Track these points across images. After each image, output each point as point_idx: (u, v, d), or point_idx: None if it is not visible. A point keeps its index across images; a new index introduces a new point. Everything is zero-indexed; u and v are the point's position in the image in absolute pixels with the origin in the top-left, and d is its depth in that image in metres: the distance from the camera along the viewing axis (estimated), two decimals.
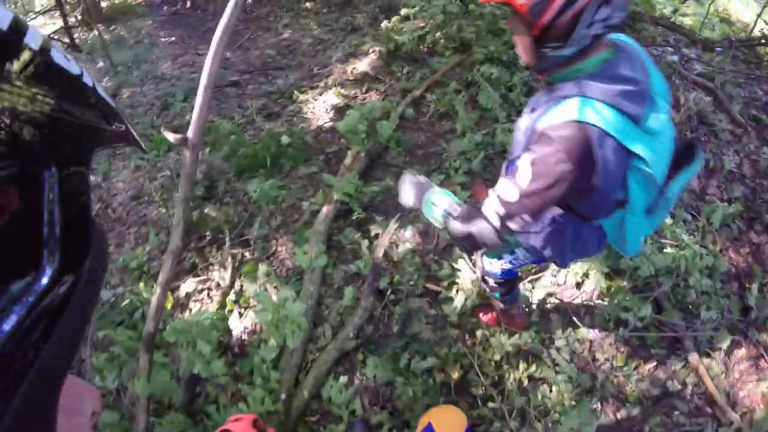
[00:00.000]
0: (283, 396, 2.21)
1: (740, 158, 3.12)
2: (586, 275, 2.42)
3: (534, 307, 2.42)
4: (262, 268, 2.77)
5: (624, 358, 2.29)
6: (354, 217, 2.83)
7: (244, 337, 2.65)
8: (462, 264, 2.41)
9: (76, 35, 6.75)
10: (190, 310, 2.87)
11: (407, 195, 1.41)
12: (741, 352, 2.35)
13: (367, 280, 2.46)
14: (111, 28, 7.02)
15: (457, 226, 1.26)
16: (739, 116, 3.35)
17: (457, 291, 2.35)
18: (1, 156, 0.28)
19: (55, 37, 6.77)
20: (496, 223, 1.19)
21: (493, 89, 3.25)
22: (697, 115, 3.20)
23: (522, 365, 2.26)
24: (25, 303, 0.28)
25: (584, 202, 1.27)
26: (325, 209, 2.78)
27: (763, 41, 4.47)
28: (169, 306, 2.81)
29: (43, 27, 7.13)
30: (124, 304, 2.87)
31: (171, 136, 1.85)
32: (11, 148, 0.28)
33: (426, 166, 3.04)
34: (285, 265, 2.81)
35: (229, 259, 2.87)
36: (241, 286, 2.80)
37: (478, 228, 1.22)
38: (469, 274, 2.31)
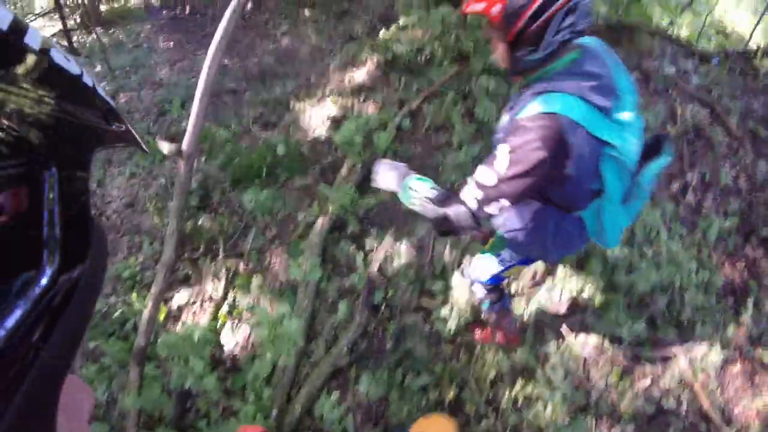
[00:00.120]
0: (275, 412, 2.19)
1: (736, 171, 3.12)
2: (581, 291, 2.41)
3: (528, 323, 2.40)
4: (256, 280, 2.75)
5: (618, 375, 2.27)
6: (349, 230, 2.82)
7: (237, 351, 2.63)
8: (456, 281, 2.39)
9: (74, 38, 6.73)
10: (183, 322, 2.84)
11: (385, 179, 1.46)
12: (736, 368, 2.34)
13: (361, 294, 2.44)
14: (110, 32, 7.01)
15: (435, 209, 1.32)
16: (736, 129, 3.35)
17: (451, 308, 2.33)
18: (2, 156, 0.28)
19: (54, 39, 6.76)
20: (473, 206, 1.26)
21: (490, 101, 3.25)
22: (694, 128, 3.20)
23: (516, 383, 2.24)
24: (26, 302, 0.28)
25: (562, 191, 1.34)
26: (320, 221, 2.77)
27: (760, 53, 4.47)
28: (161, 317, 2.80)
29: (42, 29, 7.09)
30: (115, 314, 2.85)
31: (165, 147, 1.84)
32: (11, 148, 0.28)
33: None
34: (279, 278, 2.79)
35: (223, 271, 2.85)
36: (234, 298, 2.78)
37: (455, 211, 1.29)
38: (463, 291, 2.29)
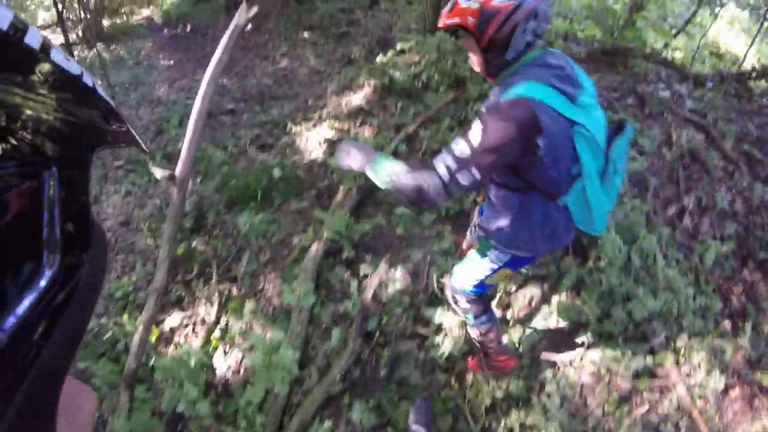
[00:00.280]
0: None
1: (732, 195, 3.11)
2: (577, 318, 2.38)
3: (524, 351, 2.36)
4: (249, 305, 2.72)
5: (616, 402, 2.23)
6: (344, 256, 2.80)
7: (229, 375, 2.59)
8: (447, 312, 2.36)
9: (76, 52, 6.80)
10: (176, 345, 2.81)
11: (353, 158, 1.52)
12: (735, 392, 2.30)
13: (355, 321, 2.41)
14: (111, 48, 7.09)
15: (407, 180, 1.39)
16: (731, 152, 3.36)
17: (444, 336, 2.30)
18: (2, 156, 0.28)
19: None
20: (445, 174, 1.33)
21: None
22: (689, 152, 3.20)
23: (512, 411, 2.20)
24: (26, 303, 0.28)
25: (542, 174, 1.41)
26: (314, 247, 2.75)
27: (754, 75, 4.52)
28: (153, 339, 2.76)
29: None
30: (107, 335, 2.81)
31: (159, 173, 1.84)
32: (11, 147, 0.28)
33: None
34: (272, 303, 2.76)
35: (216, 295, 2.82)
36: (227, 322, 2.75)
37: (427, 181, 1.35)
38: (456, 319, 2.27)
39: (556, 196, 1.51)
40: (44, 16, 8.16)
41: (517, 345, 2.40)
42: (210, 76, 1.67)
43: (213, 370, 2.61)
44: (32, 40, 0.28)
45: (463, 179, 1.33)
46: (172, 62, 6.33)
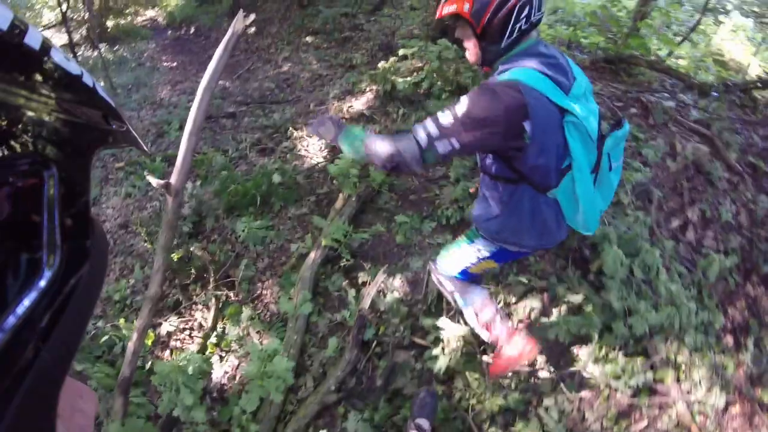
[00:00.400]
0: None
1: (737, 207, 3.08)
2: (578, 332, 2.35)
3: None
4: (246, 311, 2.70)
5: (614, 417, 2.19)
6: (342, 263, 2.77)
7: (224, 381, 2.57)
8: (446, 322, 2.32)
9: (80, 53, 6.81)
10: (171, 349, 2.79)
11: (326, 128, 1.51)
12: (735, 409, 2.26)
13: (352, 331, 2.38)
14: (115, 49, 7.10)
15: (382, 144, 1.39)
16: (736, 164, 3.33)
17: (442, 349, 2.27)
18: (1, 156, 0.28)
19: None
20: (424, 139, 1.34)
21: None
22: (693, 163, 3.17)
23: (509, 424, 2.17)
24: (25, 303, 0.28)
25: (530, 162, 1.39)
26: (312, 254, 2.72)
27: (759, 85, 4.49)
28: (149, 342, 2.74)
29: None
30: (104, 338, 2.79)
31: (154, 182, 1.81)
32: (11, 147, 0.28)
33: (418, 213, 3.00)
34: (269, 310, 2.74)
35: (213, 300, 2.80)
36: (224, 328, 2.72)
37: (403, 145, 1.36)
38: (454, 331, 2.23)
39: (546, 189, 1.49)
40: (49, 16, 8.18)
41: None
42: (206, 85, 1.65)
43: (209, 375, 2.58)
44: (32, 40, 0.29)
45: (441, 147, 1.33)
46: (174, 64, 6.33)
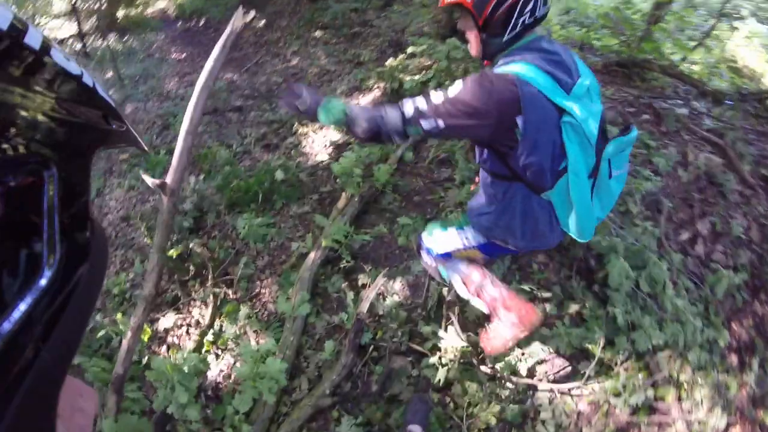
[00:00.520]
0: None
1: (748, 221, 3.00)
2: (579, 345, 2.30)
3: (522, 376, 2.28)
4: (244, 309, 2.67)
5: None
6: (342, 265, 2.73)
7: (219, 380, 2.55)
8: (445, 332, 2.28)
9: (89, 42, 6.80)
10: (169, 345, 2.77)
11: (302, 100, 1.42)
12: (735, 430, 2.21)
13: (349, 335, 2.34)
14: (124, 39, 7.08)
15: (365, 110, 1.35)
16: (749, 176, 3.24)
17: (440, 359, 2.22)
18: (2, 156, 0.28)
19: (69, 42, 6.83)
20: (410, 112, 1.31)
21: None
22: (705, 174, 3.09)
23: None
24: (26, 302, 0.28)
25: (520, 158, 1.35)
26: (312, 255, 2.69)
27: None
28: (146, 338, 2.72)
29: (59, 30, 7.19)
30: (102, 332, 2.78)
31: (149, 181, 1.79)
32: (11, 147, 0.28)
33: (421, 214, 2.95)
34: (267, 309, 2.71)
35: (211, 297, 2.78)
36: (221, 326, 2.70)
37: (387, 113, 1.33)
38: (452, 341, 2.19)
39: (540, 189, 1.45)
40: (60, 6, 8.17)
41: (514, 368, 2.32)
42: (203, 84, 1.61)
43: (204, 374, 2.56)
44: (32, 39, 0.28)
45: (426, 124, 1.30)
46: (183, 56, 6.30)
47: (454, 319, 2.44)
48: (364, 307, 2.39)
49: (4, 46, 0.27)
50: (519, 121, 1.28)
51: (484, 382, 2.26)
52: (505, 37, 1.36)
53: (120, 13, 7.58)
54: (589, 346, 2.30)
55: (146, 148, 0.52)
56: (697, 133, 3.44)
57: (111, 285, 3.04)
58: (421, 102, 1.32)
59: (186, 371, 2.22)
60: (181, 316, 2.83)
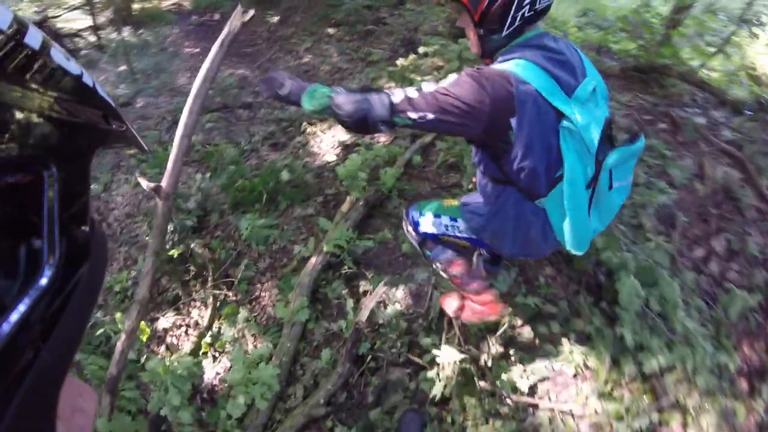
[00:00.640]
0: None
1: (765, 240, 2.88)
2: (584, 364, 2.23)
3: (523, 393, 2.22)
4: (243, 312, 2.64)
5: None
6: (344, 270, 2.68)
7: (215, 382, 2.53)
8: (443, 347, 2.22)
9: (104, 35, 6.83)
10: (167, 345, 2.76)
11: (286, 84, 1.34)
12: None
13: (346, 345, 2.30)
14: (139, 32, 7.09)
15: (352, 95, 1.28)
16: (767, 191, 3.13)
17: (438, 374, 2.17)
18: (1, 156, 0.28)
19: (84, 35, 6.87)
20: (399, 101, 1.24)
21: None
22: (723, 188, 2.98)
23: None
24: (25, 303, 0.28)
25: (513, 162, 1.29)
26: (313, 260, 2.64)
27: None
28: (144, 338, 2.71)
29: (74, 22, 7.24)
30: (102, 329, 2.77)
31: (144, 184, 1.77)
32: (11, 147, 0.28)
33: None
34: (266, 313, 2.68)
35: (210, 299, 2.75)
36: (219, 328, 2.68)
37: (374, 99, 1.25)
38: (451, 357, 2.13)
39: (534, 196, 1.39)
40: None
41: (515, 384, 2.25)
42: (199, 87, 1.57)
43: (200, 376, 2.55)
44: (32, 39, 0.29)
45: (415, 114, 1.23)
46: (197, 50, 6.29)
47: (455, 330, 2.39)
48: (363, 316, 2.34)
49: (4, 46, 0.27)
50: (513, 122, 1.21)
51: (483, 398, 2.20)
52: (504, 33, 1.29)
53: (136, 6, 7.60)
54: (594, 366, 2.23)
55: (146, 148, 0.51)
56: (716, 144, 3.33)
57: (113, 282, 3.03)
58: (411, 91, 1.26)
59: (179, 374, 2.20)
60: (180, 316, 2.81)
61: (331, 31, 5.73)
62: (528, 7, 1.25)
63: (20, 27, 0.28)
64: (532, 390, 2.24)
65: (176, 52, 6.34)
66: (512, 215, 1.46)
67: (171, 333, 2.80)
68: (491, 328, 2.42)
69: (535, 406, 2.18)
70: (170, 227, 3.06)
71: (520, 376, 2.26)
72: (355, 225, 2.83)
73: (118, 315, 2.76)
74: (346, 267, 2.68)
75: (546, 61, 1.24)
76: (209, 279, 2.81)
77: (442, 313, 2.46)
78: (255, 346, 2.53)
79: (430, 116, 1.22)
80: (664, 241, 2.61)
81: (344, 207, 2.92)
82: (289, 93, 1.31)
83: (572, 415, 2.14)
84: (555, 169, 1.30)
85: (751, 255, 2.67)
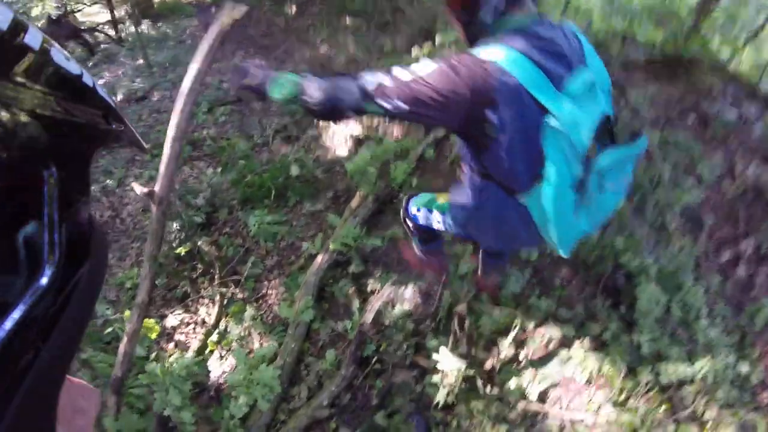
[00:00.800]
0: None
1: None
2: (598, 371, 2.13)
3: (532, 398, 2.14)
4: (250, 310, 2.63)
5: None
6: (351, 269, 2.63)
7: (222, 380, 2.52)
8: (444, 353, 2.14)
9: (124, 29, 6.89)
10: (176, 342, 2.76)
11: (253, 74, 1.24)
12: None
13: (350, 347, 2.25)
14: (158, 25, 7.13)
15: (321, 82, 1.17)
16: None
17: (441, 380, 2.10)
18: (1, 156, 0.27)
19: (104, 29, 6.94)
20: (370, 87, 1.14)
21: None
22: (753, 188, 2.81)
23: None
24: (25, 303, 0.28)
25: (494, 156, 1.21)
26: (320, 258, 2.60)
27: None
28: (153, 336, 2.71)
29: (95, 16, 7.32)
30: (112, 327, 2.79)
31: (138, 189, 1.74)
32: (11, 147, 0.28)
33: None
34: (273, 311, 2.66)
35: (218, 296, 2.74)
36: (226, 326, 2.66)
37: (345, 84, 1.16)
38: (452, 365, 2.06)
39: (513, 191, 1.29)
40: None
41: (525, 389, 2.17)
42: (189, 88, 1.52)
43: (208, 373, 2.54)
44: (32, 39, 0.29)
45: (387, 103, 1.13)
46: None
47: (464, 332, 2.31)
48: (369, 318, 2.29)
49: (3, 46, 0.27)
50: (492, 116, 1.11)
51: (491, 403, 2.13)
52: (485, 17, 1.19)
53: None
54: (609, 373, 2.12)
55: (146, 148, 0.51)
56: (746, 141, 3.14)
57: (124, 278, 3.05)
58: (384, 78, 1.14)
59: (177, 375, 2.20)
60: (189, 313, 2.81)
61: (348, 21, 5.64)
62: None
63: (20, 27, 0.28)
64: (543, 396, 2.16)
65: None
66: (494, 210, 1.39)
67: (179, 330, 2.80)
68: (502, 330, 2.34)
69: (545, 414, 2.10)
70: (177, 225, 3.06)
71: (531, 381, 2.18)
72: (364, 222, 2.77)
73: (126, 313, 2.78)
74: (353, 265, 2.63)
75: (534, 50, 1.13)
76: (216, 277, 2.80)
77: (450, 314, 2.39)
78: (261, 345, 2.51)
79: (404, 107, 1.13)
80: (690, 243, 2.47)
81: (353, 203, 2.86)
82: (257, 84, 1.22)
83: (584, 424, 2.05)
84: (537, 166, 1.19)
85: None
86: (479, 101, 1.10)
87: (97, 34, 6.78)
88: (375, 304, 2.28)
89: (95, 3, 7.02)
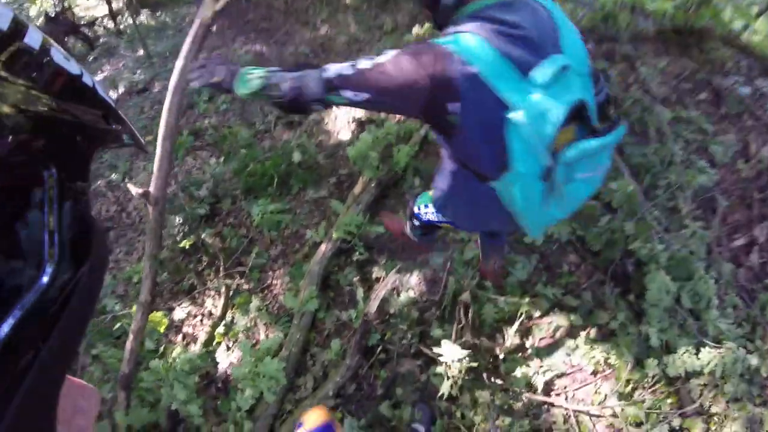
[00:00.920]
0: None
1: None
2: (605, 361, 2.10)
3: (536, 387, 2.13)
4: (255, 301, 2.63)
5: None
6: (356, 257, 2.61)
7: (229, 371, 2.54)
8: (447, 344, 2.12)
9: (123, 20, 6.81)
10: (184, 335, 2.79)
11: (218, 70, 1.22)
12: None
13: (354, 337, 2.25)
14: (157, 14, 7.02)
15: (285, 74, 1.16)
16: None
17: (446, 371, 2.09)
18: (1, 156, 0.27)
19: (103, 22, 6.87)
20: (332, 78, 1.12)
21: None
22: None
23: None
24: (26, 302, 0.28)
25: (458, 144, 1.20)
26: (323, 247, 2.58)
27: None
28: (162, 329, 2.74)
29: (94, 9, 7.25)
30: (118, 325, 2.81)
31: (133, 190, 1.73)
32: (11, 147, 0.28)
33: None
34: (278, 301, 2.66)
35: (223, 288, 2.75)
36: (232, 318, 2.68)
37: (308, 76, 1.14)
38: (455, 355, 2.04)
39: (485, 177, 1.26)
40: None
41: (530, 379, 2.16)
42: (175, 85, 1.48)
43: (216, 364, 2.57)
44: (32, 39, 0.29)
45: (349, 93, 1.11)
46: (213, 29, 6.15)
47: (465, 322, 2.29)
48: (373, 306, 2.28)
49: (3, 46, 0.27)
50: (453, 107, 1.08)
51: (495, 393, 2.12)
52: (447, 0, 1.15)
53: None
54: (615, 364, 2.10)
55: (146, 148, 0.51)
56: (762, 118, 3.01)
57: (131, 272, 3.06)
58: (346, 68, 1.12)
59: (180, 369, 2.22)
60: (196, 306, 2.83)
61: (348, 0, 5.50)
62: None
63: (20, 27, 0.28)
64: (548, 386, 2.15)
65: None
66: (467, 194, 1.40)
67: (187, 323, 2.82)
68: (507, 319, 2.32)
69: (550, 405, 2.09)
70: (180, 219, 3.05)
71: (536, 371, 2.16)
72: (368, 207, 2.74)
73: (133, 308, 2.81)
74: (357, 253, 2.61)
75: (499, 36, 1.06)
76: (221, 268, 2.80)
77: (455, 301, 2.37)
78: (266, 336, 2.52)
79: (366, 95, 1.11)
80: (702, 227, 2.39)
81: (357, 189, 2.82)
82: (222, 80, 1.20)
83: (589, 416, 2.04)
84: (502, 156, 1.15)
85: None
86: (439, 91, 1.07)
87: (96, 27, 6.71)
88: (380, 292, 2.27)
89: None
